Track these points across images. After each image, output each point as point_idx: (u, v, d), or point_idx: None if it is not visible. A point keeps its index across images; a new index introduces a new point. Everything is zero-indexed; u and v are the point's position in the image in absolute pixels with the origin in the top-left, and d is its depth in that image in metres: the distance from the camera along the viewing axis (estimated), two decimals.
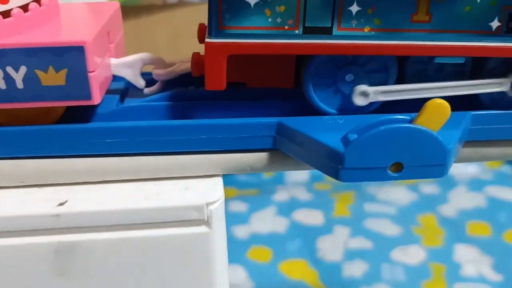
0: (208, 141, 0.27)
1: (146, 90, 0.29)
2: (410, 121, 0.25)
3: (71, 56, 0.24)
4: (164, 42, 0.81)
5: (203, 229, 0.27)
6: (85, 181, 0.27)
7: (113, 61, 0.28)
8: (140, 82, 0.29)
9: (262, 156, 0.28)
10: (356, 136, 0.24)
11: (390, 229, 0.81)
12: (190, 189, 0.27)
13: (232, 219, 0.83)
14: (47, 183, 0.27)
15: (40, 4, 0.26)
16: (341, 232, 0.80)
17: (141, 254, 0.27)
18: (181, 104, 0.28)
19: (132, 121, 0.28)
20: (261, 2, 0.24)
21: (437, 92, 0.27)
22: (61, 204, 0.26)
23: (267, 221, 0.82)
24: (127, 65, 0.28)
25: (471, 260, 0.74)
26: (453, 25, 0.25)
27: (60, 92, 0.25)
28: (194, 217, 0.27)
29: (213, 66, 0.25)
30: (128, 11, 0.81)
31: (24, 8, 0.25)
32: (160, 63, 0.29)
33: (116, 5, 0.31)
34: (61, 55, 0.24)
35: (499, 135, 0.29)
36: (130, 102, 0.29)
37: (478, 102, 0.29)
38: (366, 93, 0.26)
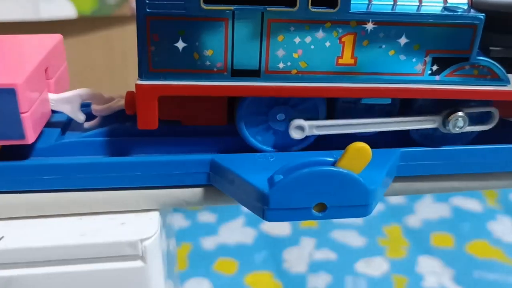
0: (143, 177, 0.28)
1: (86, 125, 0.30)
2: (334, 163, 0.25)
3: (2, 98, 0.24)
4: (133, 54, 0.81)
5: (138, 263, 0.27)
6: (22, 215, 0.28)
7: (52, 96, 0.28)
8: (80, 117, 0.29)
9: (197, 191, 0.28)
10: (281, 177, 0.25)
11: (356, 240, 0.82)
12: (126, 224, 0.28)
13: (200, 230, 0.83)
14: None
15: None
16: (307, 243, 0.81)
17: None
18: (117, 140, 0.29)
19: (70, 156, 0.28)
20: (189, 47, 0.25)
21: (369, 128, 0.28)
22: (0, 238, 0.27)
23: (235, 232, 0.83)
24: (65, 101, 0.29)
25: (433, 272, 0.76)
26: (378, 68, 0.26)
27: None
28: (129, 253, 0.27)
29: (144, 107, 0.26)
30: (98, 22, 0.81)
31: None
32: (98, 98, 0.29)
33: (58, 37, 0.31)
34: None
35: (429, 171, 0.30)
36: (69, 137, 0.29)
37: (409, 138, 0.30)
38: (302, 127, 0.27)
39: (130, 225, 0.28)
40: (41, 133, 0.29)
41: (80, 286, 0.28)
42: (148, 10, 0.24)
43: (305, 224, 0.85)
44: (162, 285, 0.29)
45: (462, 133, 0.29)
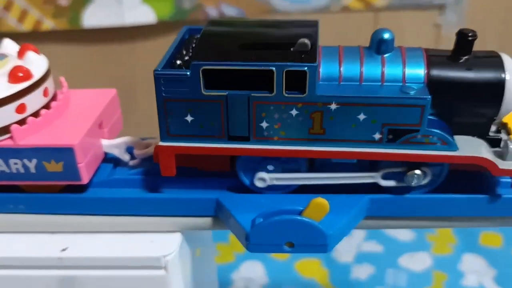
0: (169, 209, 0.37)
1: (131, 163, 0.39)
2: (300, 213, 0.33)
3: (65, 154, 0.34)
4: None
5: (161, 272, 0.37)
6: (80, 231, 0.38)
7: (104, 142, 0.38)
8: (126, 157, 0.39)
9: (207, 220, 0.37)
10: (261, 220, 0.33)
11: (404, 234, 0.87)
12: (154, 242, 0.37)
13: None
14: (56, 231, 0.38)
15: (49, 107, 0.36)
16: (358, 235, 0.88)
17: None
18: (151, 178, 0.38)
19: (116, 189, 0.38)
20: (195, 120, 0.33)
21: (323, 181, 0.35)
22: (64, 250, 0.37)
23: None
24: (114, 146, 0.38)
25: (475, 271, 0.79)
26: (343, 136, 0.33)
27: (60, 175, 0.35)
28: (155, 264, 0.37)
29: (165, 161, 0.34)
30: (175, 26, 0.90)
31: (36, 114, 0.35)
32: (139, 144, 0.39)
33: (113, 92, 0.41)
34: (58, 152, 0.34)
35: (394, 213, 0.36)
36: (118, 173, 0.39)
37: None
38: (264, 179, 0.35)
39: (158, 243, 0.37)
40: (97, 169, 0.39)
41: (118, 286, 0.37)
42: (164, 95, 0.32)
43: None
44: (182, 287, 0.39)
45: (430, 181, 0.35)
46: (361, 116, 0.32)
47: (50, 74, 0.38)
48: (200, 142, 0.34)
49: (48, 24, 0.88)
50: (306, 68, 0.30)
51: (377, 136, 0.33)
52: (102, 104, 0.39)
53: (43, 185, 0.37)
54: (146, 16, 0.88)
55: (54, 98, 0.38)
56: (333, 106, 0.32)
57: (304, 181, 0.35)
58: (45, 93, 0.36)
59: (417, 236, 0.87)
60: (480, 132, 0.34)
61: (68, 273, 0.37)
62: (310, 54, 0.31)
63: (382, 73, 0.32)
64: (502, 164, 0.33)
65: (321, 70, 0.33)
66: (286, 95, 0.31)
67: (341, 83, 0.33)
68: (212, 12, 0.89)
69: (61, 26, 0.88)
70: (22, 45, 0.38)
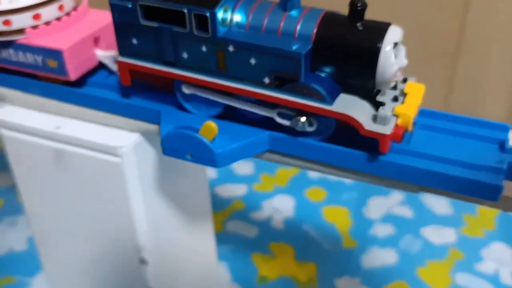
0: (129, 111, 0.47)
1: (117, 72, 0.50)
2: (197, 131, 0.40)
3: (57, 55, 0.46)
4: None
5: (118, 160, 0.48)
6: (72, 116, 0.50)
7: (98, 52, 0.49)
8: (114, 67, 0.50)
9: (154, 127, 0.47)
10: (171, 130, 0.41)
11: (441, 208, 0.87)
12: (119, 136, 0.48)
13: None
14: (55, 112, 0.51)
15: (60, 19, 0.48)
16: (394, 198, 0.90)
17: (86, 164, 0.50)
18: (126, 87, 0.48)
19: (99, 89, 0.49)
20: (138, 43, 0.42)
21: (230, 102, 0.42)
22: (58, 128, 0.50)
23: None
24: (105, 57, 0.49)
25: (496, 259, 0.78)
26: (241, 75, 0.39)
27: (56, 70, 0.47)
28: (114, 152, 0.48)
29: (122, 73, 0.44)
30: None
31: (48, 23, 0.48)
32: None
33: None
34: (54, 53, 0.46)
35: (290, 152, 0.41)
36: (108, 79, 0.50)
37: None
38: (189, 88, 0.43)
39: (120, 137, 0.48)
40: (95, 74, 0.50)
41: (87, 163, 0.49)
42: (116, 20, 0.42)
43: None
44: (137, 181, 0.49)
45: (318, 130, 0.40)
46: (252, 61, 0.38)
47: None
48: (143, 61, 0.43)
49: None
50: (207, 13, 0.37)
51: (266, 80, 0.39)
52: (103, 23, 0.50)
53: (51, 76, 0.49)
54: None
55: (69, 13, 0.49)
56: (231, 48, 0.38)
57: (217, 99, 0.42)
58: (60, 8, 0.48)
59: (455, 213, 0.87)
60: (366, 95, 0.38)
61: (58, 146, 0.50)
62: (214, 2, 0.38)
63: (279, 27, 0.38)
64: (369, 126, 0.37)
65: (235, 17, 0.39)
66: (196, 33, 0.39)
67: (247, 30, 0.39)
68: None
69: None
70: None
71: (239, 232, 0.84)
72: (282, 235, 0.84)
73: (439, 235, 0.83)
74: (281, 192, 0.92)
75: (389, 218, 0.86)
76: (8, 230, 0.85)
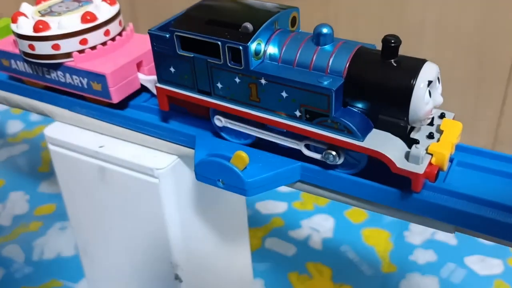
0: (168, 135, 0.48)
1: None
2: (229, 159, 0.41)
3: (101, 78, 0.48)
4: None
5: (155, 180, 0.49)
6: (115, 136, 0.52)
7: (141, 76, 0.51)
8: (155, 91, 0.51)
9: (191, 150, 0.48)
10: (205, 157, 0.42)
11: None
12: (156, 157, 0.50)
13: None
14: (100, 132, 0.53)
15: (106, 44, 0.50)
16: None
17: (125, 183, 0.51)
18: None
19: (140, 112, 0.51)
20: (176, 72, 0.43)
21: (260, 135, 0.42)
22: (101, 147, 0.52)
23: None
24: (147, 81, 0.51)
25: None
26: (273, 107, 0.40)
27: (100, 93, 0.49)
28: (151, 173, 0.49)
29: (160, 99, 0.46)
30: None
31: (94, 47, 0.50)
32: None
33: None
34: (98, 77, 0.48)
35: (321, 183, 0.41)
36: (149, 102, 0.52)
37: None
38: (220, 120, 0.43)
39: (158, 158, 0.49)
40: (137, 96, 0.52)
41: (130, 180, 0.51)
42: (155, 49, 0.43)
43: None
44: (173, 198, 0.51)
45: (350, 164, 0.40)
46: (284, 94, 0.38)
47: (117, 19, 0.51)
48: (180, 89, 0.44)
49: None
50: (240, 46, 0.38)
51: (297, 113, 0.39)
52: (146, 48, 0.51)
53: (97, 99, 0.51)
54: None
55: (114, 38, 0.51)
56: (263, 81, 0.39)
57: (249, 131, 0.43)
58: (106, 33, 0.50)
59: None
60: (400, 132, 0.37)
61: (101, 164, 0.52)
62: (248, 36, 0.38)
63: (312, 61, 0.38)
64: (401, 164, 0.36)
65: (269, 49, 0.40)
66: (230, 65, 0.39)
67: (280, 63, 0.39)
68: None
69: None
70: None
71: (277, 250, 0.84)
72: (320, 255, 0.83)
73: (484, 266, 0.79)
74: (321, 211, 0.91)
75: (431, 244, 0.84)
76: (58, 235, 0.89)
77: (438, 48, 0.89)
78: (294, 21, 0.42)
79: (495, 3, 0.84)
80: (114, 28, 0.51)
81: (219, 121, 0.44)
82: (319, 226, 0.88)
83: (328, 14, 0.97)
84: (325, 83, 0.37)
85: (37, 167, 1.04)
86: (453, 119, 0.40)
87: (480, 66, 0.89)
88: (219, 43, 0.39)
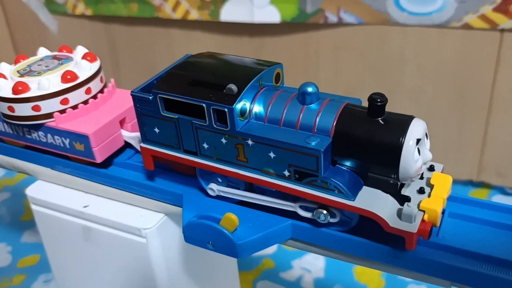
0: (154, 193, 0.47)
1: None
2: (218, 220, 0.40)
3: (84, 139, 0.47)
4: (325, 54, 0.95)
5: (143, 240, 0.48)
6: (99, 195, 0.51)
7: (124, 133, 0.50)
8: (139, 148, 0.50)
9: (178, 209, 0.47)
10: (193, 219, 0.41)
11: None
12: (143, 216, 0.48)
13: None
14: (83, 190, 0.52)
15: (87, 102, 0.49)
16: None
17: (112, 242, 0.50)
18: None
19: (125, 170, 0.50)
20: (161, 132, 0.42)
21: (255, 201, 0.42)
22: (85, 206, 0.51)
23: None
24: (131, 138, 0.50)
25: None
26: (261, 167, 0.39)
27: (83, 153, 0.48)
28: (138, 233, 0.48)
29: (145, 159, 0.45)
30: (296, 27, 0.97)
31: (75, 107, 0.49)
32: None
33: None
34: (80, 137, 0.47)
35: (313, 241, 0.40)
36: (133, 159, 0.51)
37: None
38: (213, 190, 0.42)
39: (144, 217, 0.48)
40: (121, 153, 0.51)
41: (114, 241, 0.50)
42: (139, 110, 0.42)
43: None
44: (161, 257, 0.49)
45: (342, 221, 0.39)
46: (272, 154, 0.38)
47: (98, 76, 0.51)
48: (165, 149, 0.43)
49: (194, 14, 1.03)
50: (225, 108, 0.37)
51: (286, 173, 0.38)
52: (129, 104, 0.50)
53: (79, 158, 0.50)
54: (273, 16, 0.97)
55: (95, 95, 0.50)
56: (250, 142, 0.38)
57: (241, 198, 0.42)
58: (87, 91, 0.49)
59: None
60: (390, 189, 0.37)
61: (86, 224, 0.51)
62: (233, 97, 0.38)
63: (298, 120, 0.37)
64: (394, 223, 0.35)
65: (255, 108, 0.39)
66: (216, 126, 0.39)
67: (266, 123, 0.39)
68: (332, 17, 0.94)
69: (204, 17, 1.02)
70: (85, 53, 0.51)
71: None
72: None
73: None
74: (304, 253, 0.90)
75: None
76: None
77: (419, 79, 0.90)
78: (278, 77, 0.42)
79: (472, 34, 0.85)
80: (95, 85, 0.50)
81: (212, 191, 0.43)
82: (310, 265, 0.87)
83: (309, 49, 0.97)
84: (313, 143, 0.36)
85: (19, 216, 1.02)
86: (442, 171, 0.40)
87: (461, 95, 0.90)
88: (204, 105, 0.38)
